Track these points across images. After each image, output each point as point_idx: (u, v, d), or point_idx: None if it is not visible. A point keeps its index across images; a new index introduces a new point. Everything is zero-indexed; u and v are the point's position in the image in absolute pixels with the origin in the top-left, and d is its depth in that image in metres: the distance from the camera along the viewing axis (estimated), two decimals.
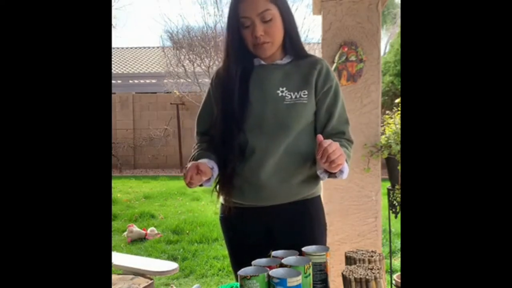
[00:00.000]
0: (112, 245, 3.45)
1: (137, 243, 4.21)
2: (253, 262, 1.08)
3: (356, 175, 2.40)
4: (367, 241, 2.43)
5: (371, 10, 2.39)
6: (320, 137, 1.14)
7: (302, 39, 1.46)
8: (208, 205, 5.84)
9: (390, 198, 2.51)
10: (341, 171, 1.21)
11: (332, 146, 1.11)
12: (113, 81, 11.22)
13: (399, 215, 2.46)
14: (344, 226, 2.43)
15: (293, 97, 1.27)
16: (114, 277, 2.19)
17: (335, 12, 2.41)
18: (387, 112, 2.63)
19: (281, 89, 1.29)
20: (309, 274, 1.04)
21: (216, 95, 1.35)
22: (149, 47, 15.89)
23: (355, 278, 1.01)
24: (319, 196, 1.39)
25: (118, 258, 2.40)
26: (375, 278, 1.00)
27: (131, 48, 16.24)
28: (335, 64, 2.37)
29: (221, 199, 1.38)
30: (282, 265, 1.05)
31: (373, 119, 2.41)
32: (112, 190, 4.83)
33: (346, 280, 1.03)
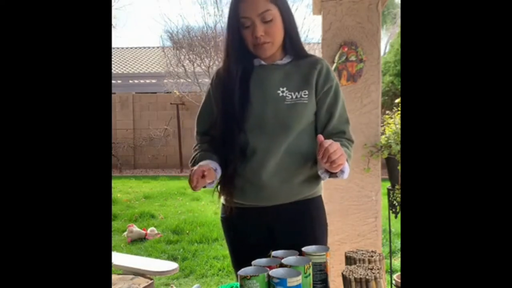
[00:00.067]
0: (112, 245, 3.45)
1: (137, 243, 4.21)
2: (253, 262, 1.08)
3: (356, 175, 2.40)
4: (367, 241, 2.43)
5: (371, 10, 2.39)
6: (321, 137, 1.14)
7: (302, 39, 1.46)
8: (208, 205, 5.84)
9: (390, 198, 2.51)
10: (342, 171, 1.22)
11: (333, 146, 1.11)
12: (113, 81, 11.21)
13: (399, 215, 2.46)
14: (344, 226, 2.43)
15: (294, 97, 1.28)
16: (114, 277, 2.19)
17: (335, 12, 2.41)
18: (387, 112, 2.63)
19: (281, 89, 1.29)
20: (309, 274, 1.04)
21: (216, 95, 1.35)
22: (149, 47, 15.89)
23: (355, 278, 1.01)
24: (320, 196, 1.39)
25: (118, 258, 2.40)
26: (375, 278, 1.00)
27: (131, 48, 16.24)
28: (335, 64, 2.37)
29: (222, 200, 1.38)
30: (282, 265, 1.05)
31: (373, 119, 2.41)
32: (112, 190, 4.83)
33: (346, 280, 1.03)
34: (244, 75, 1.30)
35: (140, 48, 16.21)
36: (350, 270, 1.05)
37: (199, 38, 9.55)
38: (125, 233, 4.35)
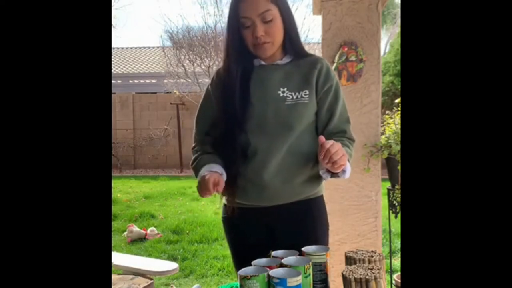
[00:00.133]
0: (112, 245, 3.45)
1: (137, 243, 4.21)
2: (253, 262, 1.08)
3: (356, 175, 2.39)
4: (367, 241, 2.43)
5: (371, 10, 2.39)
6: (322, 138, 1.14)
7: (302, 39, 1.46)
8: (208, 205, 5.84)
9: (390, 198, 2.51)
10: (343, 171, 1.22)
11: (334, 146, 1.11)
12: (113, 81, 11.22)
13: (399, 215, 2.46)
14: (344, 226, 2.43)
15: (294, 97, 1.28)
16: (114, 277, 2.19)
17: (335, 12, 2.41)
18: (387, 112, 2.63)
19: (282, 89, 1.29)
20: (309, 274, 1.04)
21: (216, 95, 1.34)
22: (149, 47, 15.89)
23: (355, 278, 1.01)
24: (321, 196, 1.38)
25: (118, 258, 2.40)
26: (375, 278, 1.00)
27: (131, 48, 16.25)
28: (335, 64, 2.37)
29: (224, 200, 1.38)
30: (282, 265, 1.05)
31: (373, 119, 2.41)
32: (112, 190, 4.83)
33: (346, 280, 1.03)
34: (244, 75, 1.30)
35: (140, 48, 16.21)
36: (350, 270, 1.05)
37: (199, 38, 9.56)
38: (125, 233, 4.35)
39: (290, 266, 1.02)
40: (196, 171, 1.30)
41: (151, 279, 2.17)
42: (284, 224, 1.31)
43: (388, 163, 2.50)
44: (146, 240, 4.27)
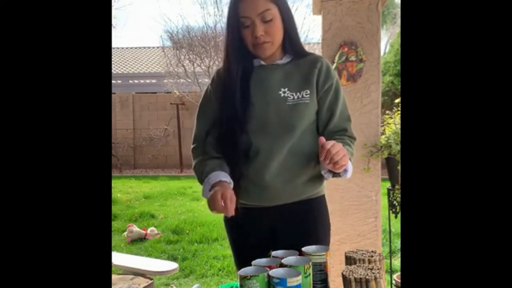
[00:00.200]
0: (112, 245, 3.45)
1: (137, 243, 4.21)
2: (253, 262, 1.08)
3: (356, 175, 2.39)
4: (367, 241, 2.43)
5: (371, 10, 2.39)
6: (322, 139, 1.14)
7: (302, 39, 1.46)
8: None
9: (390, 198, 2.51)
10: (345, 170, 1.21)
11: (335, 147, 1.11)
12: (113, 81, 11.21)
13: (399, 215, 2.46)
14: (344, 226, 2.43)
15: (295, 97, 1.27)
16: (114, 277, 2.19)
17: (335, 12, 2.41)
18: (387, 112, 2.63)
19: (282, 89, 1.28)
20: (309, 274, 1.04)
21: (216, 95, 1.34)
22: (149, 47, 15.89)
23: (355, 278, 1.01)
24: (323, 196, 1.38)
25: (118, 258, 2.40)
26: (375, 278, 1.00)
27: (131, 48, 16.25)
28: (335, 64, 2.37)
29: None
30: (282, 265, 1.05)
31: (373, 119, 2.41)
32: (112, 190, 4.83)
33: (346, 280, 1.03)
34: (244, 76, 1.30)
35: (140, 48, 16.21)
36: (350, 270, 1.05)
37: (199, 38, 9.56)
38: (125, 233, 4.35)
39: (290, 266, 1.02)
40: (200, 174, 1.28)
41: (151, 279, 2.17)
42: (285, 224, 1.31)
43: (388, 163, 2.50)
44: (146, 240, 4.27)
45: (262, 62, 1.32)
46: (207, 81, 8.85)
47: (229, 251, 3.69)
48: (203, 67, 9.44)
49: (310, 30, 18.02)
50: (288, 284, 0.95)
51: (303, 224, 1.31)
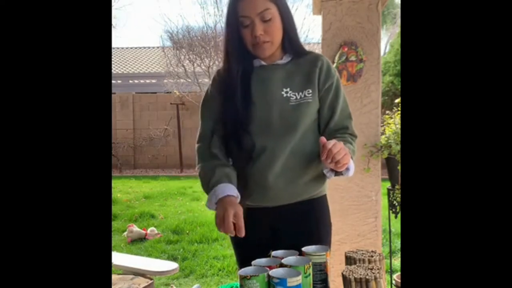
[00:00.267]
0: (112, 245, 3.45)
1: (137, 243, 4.21)
2: (253, 262, 1.08)
3: (356, 175, 2.39)
4: (367, 241, 2.43)
5: (371, 10, 2.39)
6: (323, 139, 1.13)
7: (302, 39, 1.46)
8: None
9: (390, 198, 2.51)
10: (347, 169, 1.21)
11: (336, 146, 1.10)
12: (113, 81, 11.22)
13: (399, 215, 2.46)
14: (344, 226, 2.43)
15: (298, 97, 1.27)
16: (114, 277, 2.19)
17: (335, 12, 2.41)
18: (387, 112, 2.63)
19: (284, 89, 1.28)
20: (309, 274, 1.04)
21: (218, 95, 1.33)
22: (149, 47, 15.89)
23: (355, 278, 1.01)
24: (325, 196, 1.38)
25: (118, 258, 2.40)
26: (375, 278, 1.00)
27: (131, 48, 16.25)
28: (335, 64, 2.37)
29: None
30: (282, 265, 1.05)
31: (373, 119, 2.41)
32: (112, 190, 4.83)
33: (346, 280, 1.03)
34: (245, 76, 1.29)
35: (140, 48, 16.21)
36: (350, 270, 1.05)
37: (199, 38, 9.56)
38: (125, 233, 4.35)
39: (290, 266, 1.02)
40: (207, 183, 1.24)
41: (151, 279, 2.17)
42: (287, 224, 1.31)
43: (388, 163, 2.50)
44: (146, 240, 4.27)
45: (263, 62, 1.32)
46: (207, 81, 8.86)
47: (229, 251, 3.69)
48: (203, 67, 9.44)
49: (310, 30, 18.03)
50: (288, 284, 0.95)
51: (305, 224, 1.31)
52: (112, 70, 9.95)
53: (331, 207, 1.40)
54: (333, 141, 1.12)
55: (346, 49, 2.36)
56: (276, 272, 1.00)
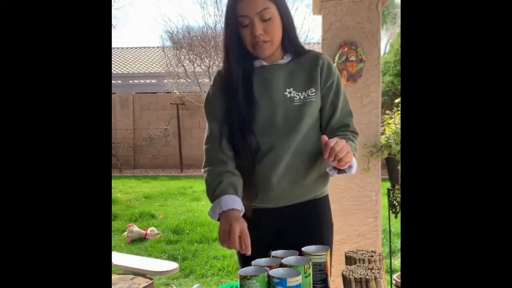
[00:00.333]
0: (112, 245, 3.45)
1: (137, 243, 4.21)
2: (253, 262, 1.08)
3: (356, 175, 2.39)
4: (367, 241, 2.43)
5: (371, 10, 2.39)
6: (325, 137, 1.13)
7: (302, 39, 1.46)
8: (208, 205, 5.75)
9: (390, 198, 2.51)
10: (350, 166, 1.20)
11: (338, 144, 1.10)
12: (113, 81, 11.22)
13: (399, 215, 2.46)
14: (344, 226, 2.43)
15: (302, 97, 1.27)
16: (114, 277, 2.19)
17: (335, 12, 2.41)
18: (387, 112, 2.63)
19: (288, 90, 1.28)
20: (309, 274, 1.04)
21: (220, 96, 1.31)
22: (149, 47, 15.89)
23: (355, 278, 1.01)
24: (327, 196, 1.38)
25: (118, 258, 2.40)
26: (375, 278, 1.00)
27: (131, 48, 16.25)
28: (335, 64, 2.36)
29: None
30: (282, 265, 1.05)
31: (373, 119, 2.41)
32: (112, 190, 4.83)
33: (346, 280, 1.03)
34: (246, 76, 1.29)
35: (140, 48, 16.21)
36: (350, 270, 1.05)
37: (199, 38, 9.55)
38: (125, 233, 4.35)
39: (290, 266, 1.02)
40: (213, 191, 1.23)
41: (151, 279, 2.18)
42: (290, 225, 1.31)
43: (388, 163, 2.50)
44: (146, 240, 4.27)
45: (264, 63, 1.31)
46: (207, 81, 8.86)
47: (229, 251, 3.69)
48: (203, 67, 9.44)
49: (310, 30, 18.02)
50: (288, 284, 0.95)
51: (308, 225, 1.31)
52: (112, 70, 9.97)
53: (331, 207, 1.41)
54: (335, 139, 1.11)
55: (346, 49, 2.36)
56: (276, 272, 1.00)
